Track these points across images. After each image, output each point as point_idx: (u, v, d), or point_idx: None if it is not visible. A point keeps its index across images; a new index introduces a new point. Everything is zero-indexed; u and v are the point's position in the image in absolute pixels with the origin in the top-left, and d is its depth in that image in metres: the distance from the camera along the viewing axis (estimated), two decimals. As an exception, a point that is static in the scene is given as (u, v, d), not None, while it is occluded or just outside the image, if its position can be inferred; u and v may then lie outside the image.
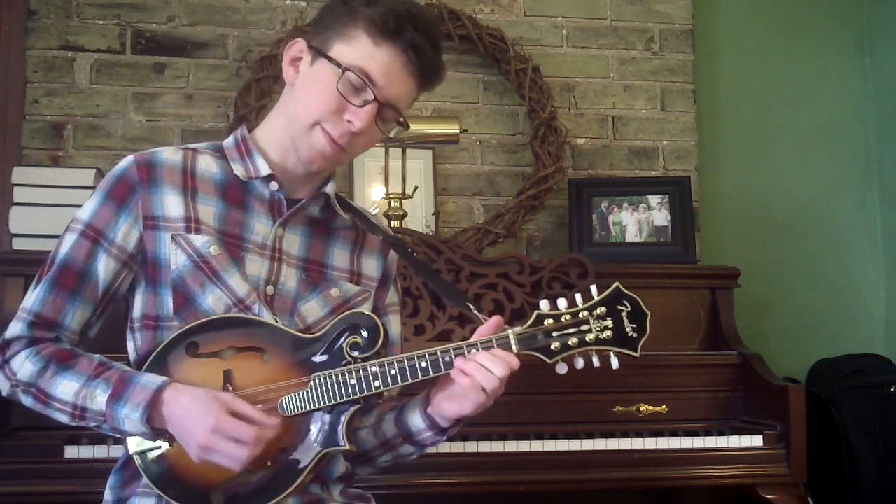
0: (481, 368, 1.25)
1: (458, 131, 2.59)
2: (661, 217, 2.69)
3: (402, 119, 1.37)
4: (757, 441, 2.17)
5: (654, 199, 2.70)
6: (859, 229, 3.23)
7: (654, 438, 2.16)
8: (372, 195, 2.75)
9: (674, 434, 2.19)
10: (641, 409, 2.28)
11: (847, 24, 3.29)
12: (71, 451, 1.93)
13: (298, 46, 1.37)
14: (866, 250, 3.23)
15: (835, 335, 3.12)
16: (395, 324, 1.53)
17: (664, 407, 2.29)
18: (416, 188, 2.63)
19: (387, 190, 2.59)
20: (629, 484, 2.31)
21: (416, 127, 2.63)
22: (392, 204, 2.56)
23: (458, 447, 2.08)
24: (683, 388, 2.31)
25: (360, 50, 1.31)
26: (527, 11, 2.97)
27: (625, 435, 2.17)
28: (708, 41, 3.16)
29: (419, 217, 2.74)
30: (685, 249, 2.65)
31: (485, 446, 2.09)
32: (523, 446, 2.11)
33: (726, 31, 3.21)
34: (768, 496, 2.16)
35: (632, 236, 2.69)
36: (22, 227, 2.31)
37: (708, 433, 2.19)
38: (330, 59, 1.31)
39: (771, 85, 3.22)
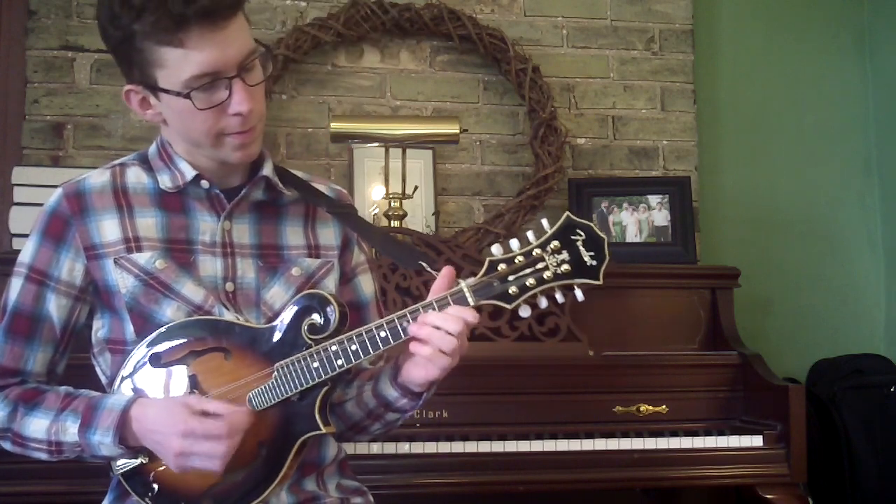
0: (436, 331, 1.22)
1: (458, 131, 2.58)
2: (661, 217, 2.69)
3: (258, 51, 1.29)
4: (757, 441, 2.17)
5: (654, 199, 2.70)
6: (859, 229, 3.23)
7: (654, 438, 2.17)
8: (372, 195, 2.75)
9: (674, 434, 2.19)
10: (641, 409, 2.28)
11: (847, 24, 3.29)
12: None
13: (132, 94, 1.30)
14: (866, 250, 3.22)
15: (835, 335, 3.12)
16: (366, 283, 1.49)
17: (664, 407, 2.29)
18: (416, 188, 2.63)
19: (387, 190, 2.58)
20: (629, 484, 2.31)
21: (416, 127, 2.64)
22: (392, 204, 2.56)
23: (458, 447, 2.08)
24: (683, 388, 2.31)
25: (176, 64, 1.22)
26: (527, 11, 2.97)
27: (625, 435, 2.17)
28: (708, 41, 3.16)
29: (419, 217, 2.74)
30: (685, 249, 2.65)
31: (485, 446, 2.09)
32: (523, 446, 2.11)
33: (726, 31, 3.21)
34: (768, 496, 2.16)
35: (632, 236, 2.69)
36: (22, 227, 2.31)
37: (708, 433, 2.19)
38: (167, 91, 1.25)
39: (771, 85, 3.22)
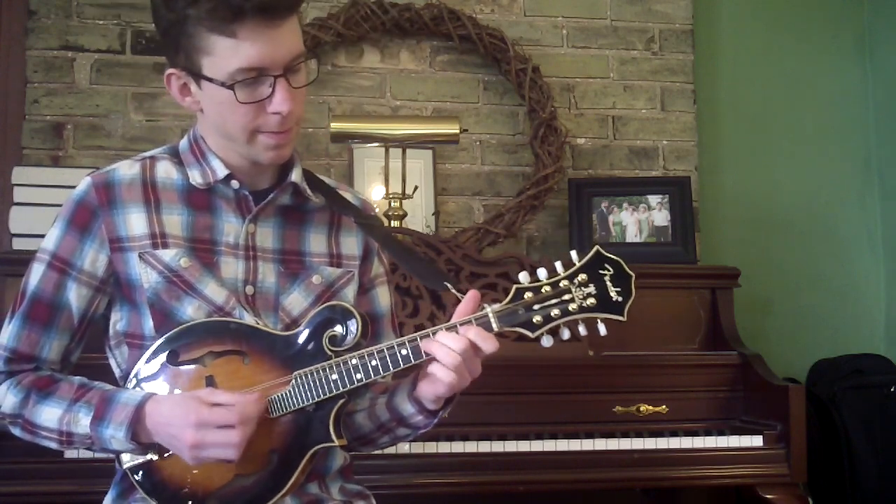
0: (443, 348, 1.22)
1: (458, 131, 2.58)
2: (661, 217, 2.69)
3: (304, 58, 1.29)
4: (757, 441, 2.17)
5: (654, 199, 2.70)
6: (859, 229, 3.23)
7: (654, 438, 2.17)
8: (372, 195, 2.75)
9: (674, 434, 2.19)
10: (641, 409, 2.28)
11: (847, 24, 3.29)
12: (71, 451, 1.93)
13: (173, 78, 1.30)
14: (866, 250, 3.23)
15: (835, 335, 3.12)
16: (383, 295, 1.50)
17: (664, 407, 2.29)
18: (416, 188, 2.63)
19: (387, 190, 2.59)
20: (629, 484, 2.31)
21: (416, 127, 2.64)
22: (392, 204, 2.56)
23: (458, 447, 2.08)
24: (683, 388, 2.31)
25: (224, 54, 1.22)
26: (527, 11, 2.97)
27: (625, 435, 2.17)
28: (708, 41, 3.16)
29: (419, 217, 2.74)
30: (685, 249, 2.65)
31: (485, 446, 2.09)
32: (523, 446, 2.11)
33: (726, 31, 3.21)
34: (768, 496, 2.16)
35: (632, 236, 2.69)
36: (22, 227, 2.31)
37: (708, 433, 2.19)
38: (211, 80, 1.24)
39: (771, 85, 3.22)
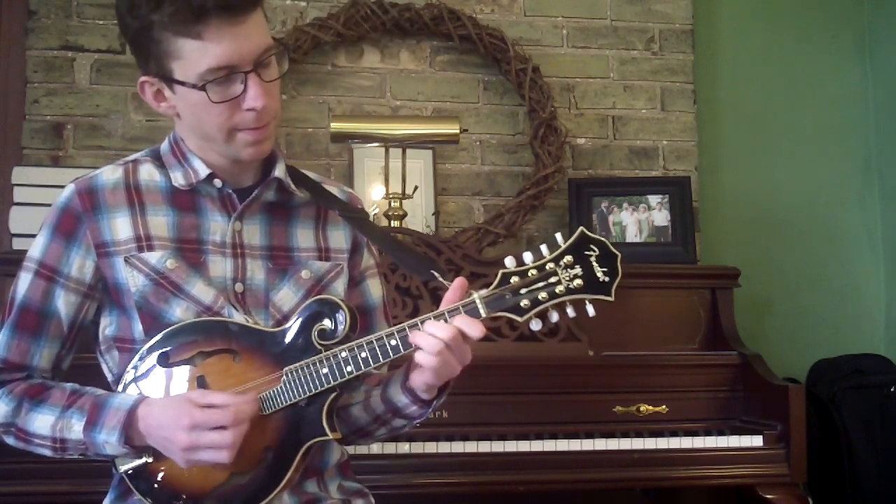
0: (430, 338, 1.21)
1: (458, 131, 2.58)
2: (661, 217, 2.69)
3: (275, 49, 1.29)
4: (757, 441, 2.17)
5: (654, 199, 2.70)
6: (859, 229, 3.23)
7: (654, 438, 2.17)
8: (372, 195, 2.75)
9: (674, 434, 2.19)
10: (641, 409, 2.28)
11: (847, 24, 3.29)
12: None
13: (146, 86, 1.31)
14: (866, 250, 3.23)
15: (835, 335, 3.12)
16: (375, 287, 1.50)
17: (664, 407, 2.29)
18: (416, 188, 2.63)
19: (387, 190, 2.59)
20: (629, 484, 2.31)
21: (416, 127, 2.64)
22: (392, 204, 2.56)
23: (458, 447, 2.08)
24: (683, 388, 2.31)
25: (193, 56, 1.22)
26: (527, 11, 2.97)
27: (625, 435, 2.17)
28: (708, 41, 3.16)
29: (419, 217, 2.74)
30: (685, 249, 2.66)
31: (485, 446, 2.09)
32: (523, 446, 2.11)
33: (726, 31, 3.21)
34: (768, 496, 2.16)
35: (632, 236, 2.69)
36: (22, 227, 2.31)
37: (708, 433, 2.19)
38: (182, 83, 1.24)
39: (771, 85, 3.22)
